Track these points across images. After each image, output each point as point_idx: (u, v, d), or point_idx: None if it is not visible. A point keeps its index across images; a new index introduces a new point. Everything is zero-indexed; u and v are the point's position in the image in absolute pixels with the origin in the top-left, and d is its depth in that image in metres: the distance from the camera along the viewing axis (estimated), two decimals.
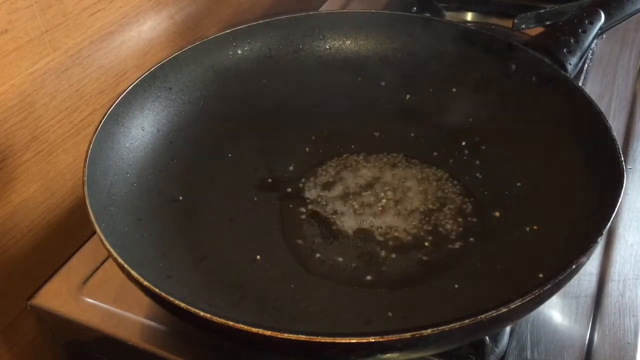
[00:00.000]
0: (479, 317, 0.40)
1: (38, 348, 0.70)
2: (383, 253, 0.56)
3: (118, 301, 0.58)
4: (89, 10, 0.65)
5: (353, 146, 0.67)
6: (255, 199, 0.62)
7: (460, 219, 0.59)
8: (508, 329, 0.53)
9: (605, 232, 0.46)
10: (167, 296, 0.43)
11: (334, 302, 0.53)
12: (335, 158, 0.66)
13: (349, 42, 0.73)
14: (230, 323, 0.41)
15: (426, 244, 0.57)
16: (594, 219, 0.49)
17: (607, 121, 0.55)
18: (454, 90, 0.69)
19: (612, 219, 0.47)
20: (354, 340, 0.40)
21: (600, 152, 0.54)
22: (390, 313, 0.51)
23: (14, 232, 0.63)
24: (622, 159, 0.52)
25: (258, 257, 0.56)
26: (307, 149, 0.67)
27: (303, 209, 0.61)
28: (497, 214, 0.59)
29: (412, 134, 0.68)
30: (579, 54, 0.67)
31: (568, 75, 0.63)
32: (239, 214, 0.60)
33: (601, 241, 0.46)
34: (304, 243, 0.58)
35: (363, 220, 0.59)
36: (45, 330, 0.62)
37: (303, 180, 0.64)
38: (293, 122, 0.70)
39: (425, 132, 0.68)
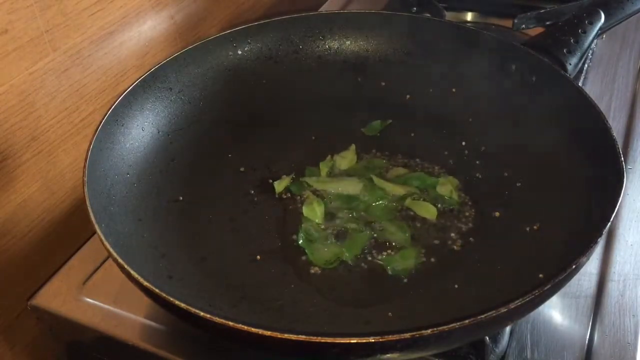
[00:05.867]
0: (479, 317, 0.40)
1: (38, 348, 0.70)
2: (383, 253, 0.56)
3: (118, 301, 0.58)
4: (89, 10, 0.65)
5: (353, 144, 0.67)
6: (255, 199, 0.62)
7: (460, 219, 0.59)
8: (508, 329, 0.53)
9: (605, 232, 0.46)
10: (167, 296, 0.43)
11: (333, 302, 0.53)
12: (335, 157, 0.66)
13: (348, 42, 0.73)
14: (230, 323, 0.41)
15: (426, 244, 0.57)
16: (594, 219, 0.49)
17: (607, 121, 0.55)
18: (454, 90, 0.69)
19: (612, 219, 0.47)
20: (354, 340, 0.40)
21: (600, 152, 0.54)
22: (390, 313, 0.51)
23: (14, 232, 0.63)
24: (622, 159, 0.52)
25: (258, 257, 0.56)
26: (307, 149, 0.67)
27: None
28: (497, 214, 0.59)
29: (412, 134, 0.68)
30: (579, 54, 0.67)
31: (568, 75, 0.63)
32: (239, 214, 0.61)
33: (601, 241, 0.46)
34: None
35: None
36: (45, 330, 0.62)
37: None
38: (293, 122, 0.70)
39: (425, 132, 0.68)
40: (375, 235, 0.58)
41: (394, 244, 0.57)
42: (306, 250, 0.57)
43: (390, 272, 0.55)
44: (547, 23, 0.80)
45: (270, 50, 0.72)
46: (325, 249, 0.57)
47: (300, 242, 0.57)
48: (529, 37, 0.72)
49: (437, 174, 0.64)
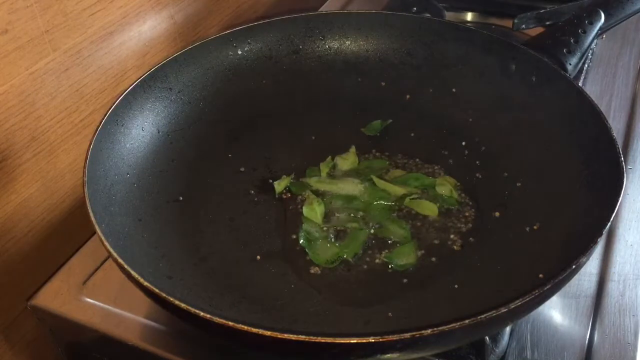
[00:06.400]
0: (479, 317, 0.40)
1: (38, 348, 0.69)
2: (383, 253, 0.56)
3: (118, 301, 0.58)
4: (89, 10, 0.65)
5: (353, 145, 0.67)
6: (256, 199, 0.62)
7: (460, 219, 0.59)
8: (508, 329, 0.53)
9: (605, 232, 0.46)
10: (167, 296, 0.43)
11: (333, 302, 0.53)
12: (335, 158, 0.66)
13: (348, 42, 0.73)
14: (230, 323, 0.41)
15: (426, 244, 0.57)
16: (594, 219, 0.49)
17: (607, 121, 0.55)
18: (454, 90, 0.69)
19: (612, 219, 0.47)
20: (354, 341, 0.40)
21: (600, 152, 0.54)
22: (390, 313, 0.51)
23: (14, 232, 0.63)
24: (622, 159, 0.52)
25: (258, 257, 0.56)
26: (307, 149, 0.67)
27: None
28: (497, 214, 0.59)
29: (412, 134, 0.69)
30: (579, 54, 0.67)
31: (568, 75, 0.63)
32: (239, 214, 0.61)
33: (601, 241, 0.46)
34: None
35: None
36: (45, 330, 0.62)
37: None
38: (293, 122, 0.70)
39: (425, 132, 0.68)
40: (374, 232, 0.58)
41: (393, 241, 0.57)
42: (307, 251, 0.57)
43: (392, 267, 0.55)
44: (547, 23, 0.80)
45: (270, 50, 0.72)
46: (326, 249, 0.57)
47: (301, 242, 0.57)
48: (529, 37, 0.72)
49: (436, 174, 0.64)
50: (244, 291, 0.53)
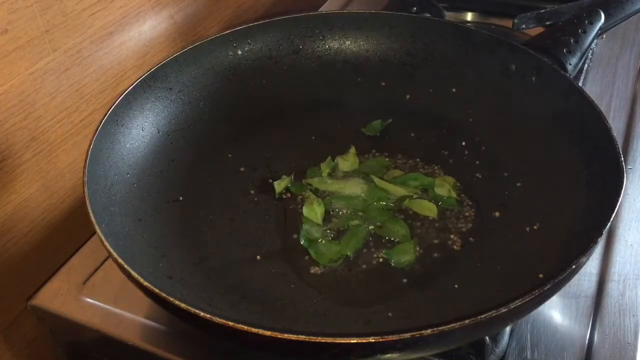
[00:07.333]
0: (479, 317, 0.40)
1: (38, 348, 0.70)
2: (382, 253, 0.56)
3: (118, 301, 0.58)
4: (89, 10, 0.65)
5: (353, 146, 0.67)
6: (256, 199, 0.62)
7: (460, 219, 0.59)
8: (508, 329, 0.53)
9: (605, 232, 0.46)
10: (167, 296, 0.43)
11: (333, 302, 0.53)
12: (336, 158, 0.66)
13: (349, 42, 0.73)
14: (230, 323, 0.41)
15: (426, 244, 0.57)
16: (594, 219, 0.49)
17: (607, 121, 0.55)
18: (454, 90, 0.69)
19: (612, 219, 0.47)
20: (353, 341, 0.40)
21: (600, 152, 0.54)
22: (390, 313, 0.51)
23: (14, 232, 0.63)
24: (622, 159, 0.52)
25: (258, 257, 0.57)
26: (307, 149, 0.67)
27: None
28: (497, 214, 0.59)
29: (412, 134, 0.69)
30: (579, 54, 0.67)
31: (568, 75, 0.63)
32: (239, 214, 0.61)
33: (601, 241, 0.46)
34: None
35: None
36: (45, 330, 0.62)
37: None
38: (293, 122, 0.70)
39: (425, 132, 0.68)
40: (374, 231, 0.58)
41: (393, 240, 0.57)
42: (309, 251, 0.57)
43: (392, 265, 0.55)
44: (547, 23, 0.80)
45: (270, 50, 0.72)
46: (328, 248, 0.57)
47: (302, 242, 0.57)
48: (529, 37, 0.72)
49: (436, 174, 0.64)
50: (244, 291, 0.53)
